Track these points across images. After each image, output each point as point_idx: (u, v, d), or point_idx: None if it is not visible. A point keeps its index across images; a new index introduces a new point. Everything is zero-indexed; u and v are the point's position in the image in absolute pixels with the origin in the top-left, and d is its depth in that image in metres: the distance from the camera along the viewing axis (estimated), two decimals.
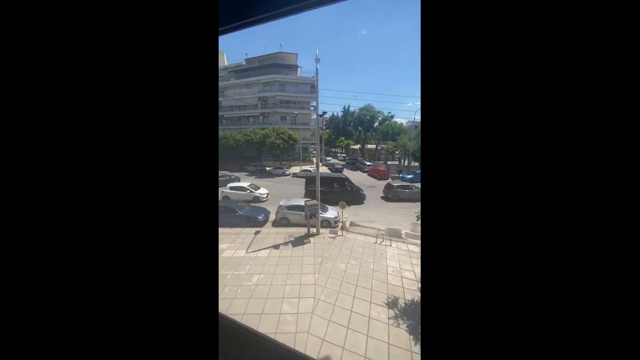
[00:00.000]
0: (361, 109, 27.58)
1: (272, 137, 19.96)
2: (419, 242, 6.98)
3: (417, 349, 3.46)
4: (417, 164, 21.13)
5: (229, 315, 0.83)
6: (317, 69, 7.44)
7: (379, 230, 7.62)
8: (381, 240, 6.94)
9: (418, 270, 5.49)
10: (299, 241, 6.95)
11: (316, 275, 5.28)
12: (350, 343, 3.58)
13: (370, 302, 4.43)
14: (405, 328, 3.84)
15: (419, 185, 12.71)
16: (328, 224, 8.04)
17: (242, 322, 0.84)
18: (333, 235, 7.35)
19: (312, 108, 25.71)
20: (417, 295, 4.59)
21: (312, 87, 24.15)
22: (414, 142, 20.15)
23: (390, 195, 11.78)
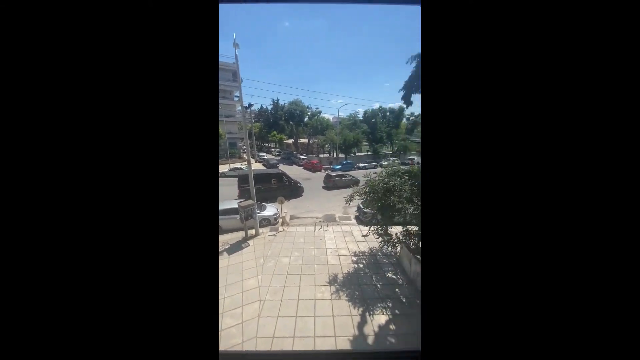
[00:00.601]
0: (291, 103, 27.63)
1: None
2: (350, 222, 8.10)
3: (356, 311, 4.11)
4: (343, 155, 23.94)
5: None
6: (236, 55, 6.67)
7: (317, 218, 8.19)
8: (319, 227, 7.51)
9: (351, 246, 6.40)
10: (235, 247, 6.34)
11: (259, 277, 5.06)
12: (299, 329, 3.76)
13: (315, 286, 4.78)
14: (345, 298, 4.46)
15: (350, 173, 15.40)
16: (268, 222, 7.78)
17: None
18: (274, 233, 7.21)
19: (236, 98, 23.14)
20: (352, 267, 5.39)
21: (234, 75, 21.58)
22: (339, 137, 22.53)
23: (330, 184, 13.54)
